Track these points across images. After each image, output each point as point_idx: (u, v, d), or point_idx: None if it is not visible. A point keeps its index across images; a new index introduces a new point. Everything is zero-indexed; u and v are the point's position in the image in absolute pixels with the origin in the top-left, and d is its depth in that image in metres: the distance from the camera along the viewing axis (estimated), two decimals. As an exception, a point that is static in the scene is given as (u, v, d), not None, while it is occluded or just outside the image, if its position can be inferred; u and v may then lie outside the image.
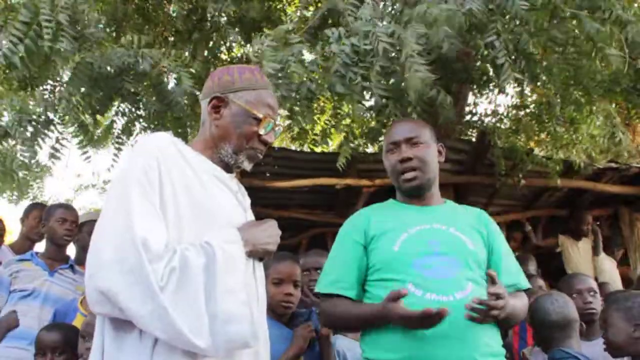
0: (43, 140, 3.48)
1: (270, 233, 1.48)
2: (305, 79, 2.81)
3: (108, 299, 1.22)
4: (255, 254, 1.45)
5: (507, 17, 2.55)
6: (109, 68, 3.23)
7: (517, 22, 2.74)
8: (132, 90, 3.55)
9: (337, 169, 3.85)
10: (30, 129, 3.45)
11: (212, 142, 1.52)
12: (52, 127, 3.52)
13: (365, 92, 2.79)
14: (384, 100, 2.95)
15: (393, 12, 2.69)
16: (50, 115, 3.49)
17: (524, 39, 2.75)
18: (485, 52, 2.92)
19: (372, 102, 3.36)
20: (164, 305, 1.20)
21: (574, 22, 2.81)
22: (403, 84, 2.64)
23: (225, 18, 4.66)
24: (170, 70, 3.34)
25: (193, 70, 3.88)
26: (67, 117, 3.59)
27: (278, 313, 2.19)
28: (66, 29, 2.92)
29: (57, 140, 3.57)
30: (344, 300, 1.75)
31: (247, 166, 1.55)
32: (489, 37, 2.62)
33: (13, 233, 5.82)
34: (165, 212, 1.31)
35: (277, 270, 2.21)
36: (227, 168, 1.54)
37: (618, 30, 2.60)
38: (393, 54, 2.66)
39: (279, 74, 2.71)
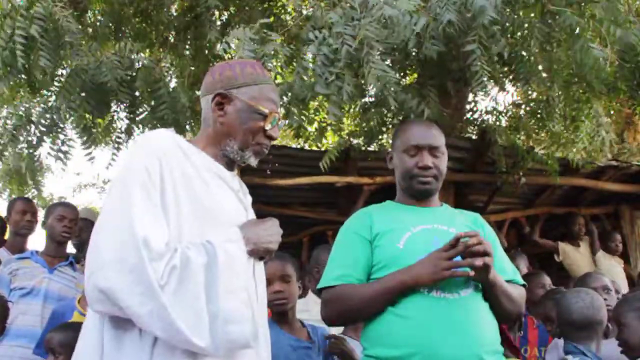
0: (45, 142, 3.57)
1: (271, 232, 1.46)
2: (295, 79, 2.83)
3: (108, 297, 1.21)
4: (256, 253, 1.43)
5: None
6: (103, 79, 3.26)
7: (500, 27, 2.76)
8: (127, 100, 3.61)
9: (338, 166, 3.87)
10: (34, 132, 3.54)
11: (216, 139, 1.50)
12: (57, 129, 3.58)
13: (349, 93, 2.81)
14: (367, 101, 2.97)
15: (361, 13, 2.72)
16: (56, 119, 3.55)
17: (501, 43, 2.78)
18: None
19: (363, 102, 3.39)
20: (164, 305, 1.19)
21: (558, 18, 2.82)
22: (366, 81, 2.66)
23: (225, 19, 4.66)
24: (169, 74, 3.37)
25: (192, 68, 3.88)
26: (70, 120, 3.64)
27: (274, 312, 2.18)
28: (43, 42, 2.95)
29: (63, 143, 3.63)
30: (351, 284, 1.73)
31: (254, 162, 1.54)
32: (468, 45, 2.65)
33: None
34: (167, 211, 1.30)
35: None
36: (229, 166, 1.52)
37: (601, 27, 2.62)
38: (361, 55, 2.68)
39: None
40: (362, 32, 2.58)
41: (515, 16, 2.94)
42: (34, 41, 2.95)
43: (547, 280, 3.32)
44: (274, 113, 1.51)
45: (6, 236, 3.56)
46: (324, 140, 5.14)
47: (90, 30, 4.22)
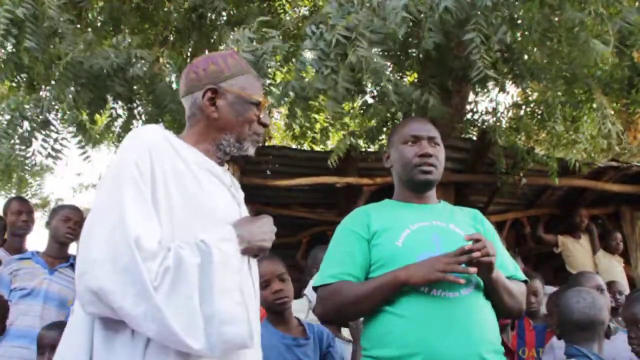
0: (35, 139, 3.52)
1: (265, 229, 1.44)
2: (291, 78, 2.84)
3: (99, 298, 1.18)
4: (250, 252, 1.41)
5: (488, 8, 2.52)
6: (97, 68, 3.19)
7: (499, 14, 2.74)
8: (124, 92, 3.54)
9: (338, 167, 3.86)
10: (26, 128, 3.47)
11: (208, 135, 1.49)
12: (51, 127, 3.54)
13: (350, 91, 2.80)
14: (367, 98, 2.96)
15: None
16: (49, 115, 3.50)
17: (502, 30, 2.73)
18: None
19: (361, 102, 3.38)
20: (158, 306, 1.17)
21: (560, 12, 2.81)
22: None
23: (225, 18, 4.66)
24: (168, 71, 3.33)
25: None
26: (65, 117, 3.60)
27: (277, 312, 2.18)
28: (30, 26, 2.89)
29: (56, 141, 3.58)
30: (347, 282, 1.72)
31: (252, 151, 1.54)
32: (468, 34, 2.61)
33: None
34: (158, 206, 1.28)
35: (259, 274, 2.17)
36: (220, 162, 1.51)
37: (606, 21, 2.60)
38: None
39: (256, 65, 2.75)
40: (351, 17, 2.58)
41: (515, 3, 2.90)
42: (23, 25, 2.87)
43: (539, 285, 3.25)
44: (265, 100, 1.53)
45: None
46: (327, 142, 5.15)
47: (89, 29, 4.21)
